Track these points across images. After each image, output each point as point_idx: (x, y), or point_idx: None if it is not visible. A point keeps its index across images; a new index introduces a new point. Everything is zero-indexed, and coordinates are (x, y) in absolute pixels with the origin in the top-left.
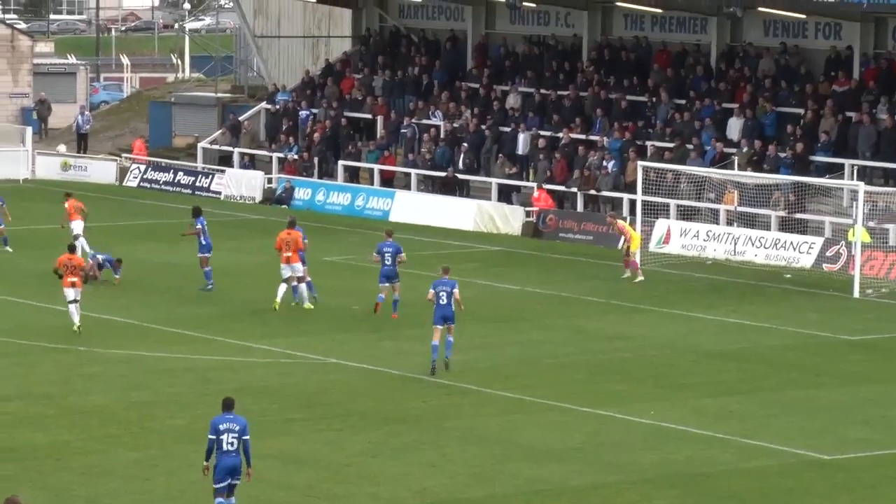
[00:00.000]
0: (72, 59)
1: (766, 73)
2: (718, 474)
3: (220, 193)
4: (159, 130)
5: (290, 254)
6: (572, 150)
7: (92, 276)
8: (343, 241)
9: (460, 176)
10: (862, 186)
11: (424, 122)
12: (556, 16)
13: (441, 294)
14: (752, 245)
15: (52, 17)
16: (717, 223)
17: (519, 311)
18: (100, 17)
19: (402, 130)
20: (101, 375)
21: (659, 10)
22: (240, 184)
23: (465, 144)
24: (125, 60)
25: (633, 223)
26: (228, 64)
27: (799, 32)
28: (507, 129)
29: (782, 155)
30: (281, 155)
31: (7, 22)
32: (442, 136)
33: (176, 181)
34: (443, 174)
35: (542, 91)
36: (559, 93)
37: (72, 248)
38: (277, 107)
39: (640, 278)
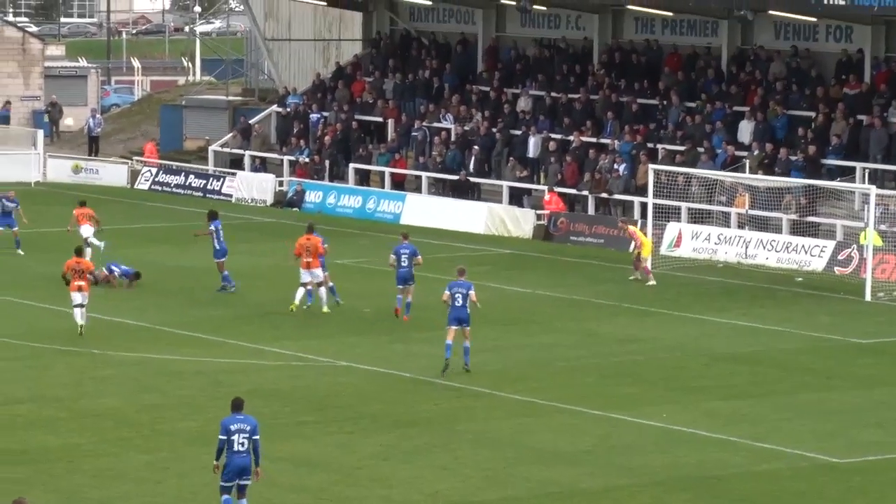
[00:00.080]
0: (83, 63)
1: (777, 77)
2: (730, 477)
3: (231, 196)
4: (170, 133)
5: (310, 259)
6: (583, 153)
7: (104, 280)
8: (354, 243)
9: (472, 179)
10: (873, 190)
11: (435, 125)
12: (566, 19)
13: (457, 295)
14: (764, 248)
15: (63, 20)
16: (729, 226)
17: (530, 313)
18: (111, 20)
19: (413, 133)
20: (112, 378)
21: (670, 14)
22: (251, 187)
23: (476, 147)
24: (136, 63)
25: (644, 227)
26: (239, 67)
27: (810, 35)
28: (518, 132)
29: (793, 158)
30: (292, 158)
31: (18, 25)
32: (453, 139)
33: (187, 184)
34: (454, 177)
35: (553, 94)
36: (570, 96)
37: (79, 252)
38: (288, 110)
39: (652, 282)
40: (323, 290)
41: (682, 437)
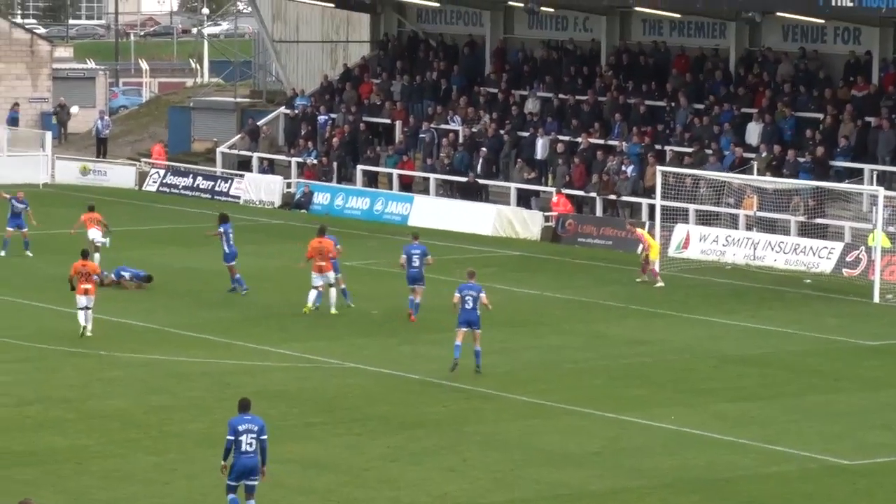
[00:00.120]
0: (91, 64)
1: (785, 78)
2: (738, 479)
3: (239, 198)
4: (178, 135)
5: (323, 263)
6: (591, 154)
7: (110, 283)
8: (362, 245)
9: (480, 181)
10: (881, 191)
11: (443, 126)
12: (574, 21)
13: (467, 298)
14: (772, 250)
15: (71, 21)
16: (737, 228)
17: (538, 315)
18: (119, 21)
19: (421, 135)
20: (120, 379)
21: (678, 15)
22: (259, 188)
23: (484, 149)
24: (144, 65)
25: (652, 228)
26: (247, 69)
27: (818, 37)
28: (526, 134)
29: (801, 160)
30: (300, 159)
31: (26, 27)
32: (460, 140)
33: (195, 186)
34: (461, 179)
35: (561, 96)
36: (578, 97)
37: (84, 254)
38: (296, 111)
39: (660, 284)
40: (333, 291)
41: (690, 439)
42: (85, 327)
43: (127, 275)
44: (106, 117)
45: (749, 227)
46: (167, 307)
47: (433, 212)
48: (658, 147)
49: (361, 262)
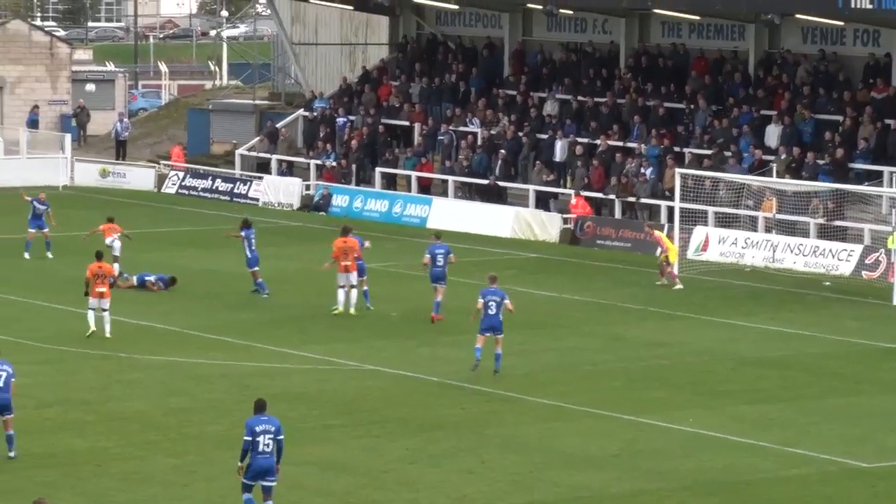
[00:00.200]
0: (110, 67)
1: (805, 80)
2: (758, 482)
3: (257, 200)
4: (197, 137)
5: (348, 262)
6: (610, 156)
7: (128, 287)
8: (381, 247)
9: (500, 183)
10: None
11: (461, 129)
12: (593, 23)
13: (490, 303)
14: (791, 252)
15: (90, 24)
16: (756, 230)
17: (556, 317)
18: (138, 24)
19: (440, 137)
20: (140, 382)
21: (696, 17)
22: (277, 191)
23: (503, 151)
24: (163, 68)
25: (671, 231)
26: (266, 71)
27: (837, 39)
28: (545, 136)
29: (821, 162)
30: (318, 162)
31: (46, 29)
32: (479, 142)
33: (214, 188)
34: (480, 181)
35: (580, 98)
36: (597, 100)
37: (99, 256)
38: (315, 114)
39: (679, 287)
40: (354, 292)
41: (709, 442)
42: (93, 331)
43: (152, 278)
44: (125, 119)
45: (768, 230)
46: (187, 309)
47: (452, 214)
48: (677, 149)
49: (380, 264)
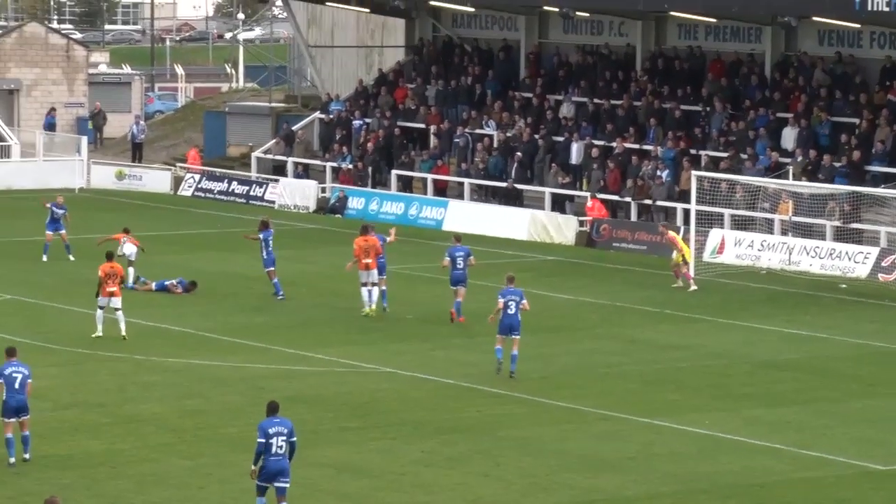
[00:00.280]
0: (126, 69)
1: (821, 83)
2: (773, 485)
3: (273, 203)
4: (213, 140)
5: (369, 260)
6: (626, 159)
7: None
8: (397, 250)
9: (517, 186)
10: None
11: (478, 131)
12: (609, 25)
13: (510, 303)
14: (807, 255)
15: (106, 27)
16: (772, 233)
17: (572, 320)
18: (154, 27)
19: (456, 140)
20: (156, 384)
21: (713, 20)
22: (293, 193)
23: (519, 154)
24: (179, 70)
25: (686, 233)
26: (282, 74)
27: (854, 42)
28: (561, 139)
29: (837, 164)
30: (335, 164)
31: (62, 32)
32: (495, 145)
33: (230, 191)
34: (495, 184)
35: (596, 100)
36: (613, 102)
37: (110, 256)
38: (331, 116)
39: (694, 288)
40: (375, 290)
41: (725, 444)
42: (100, 335)
43: (174, 281)
44: (141, 122)
45: (784, 232)
46: (203, 311)
47: (468, 216)
48: (693, 152)
49: (396, 266)
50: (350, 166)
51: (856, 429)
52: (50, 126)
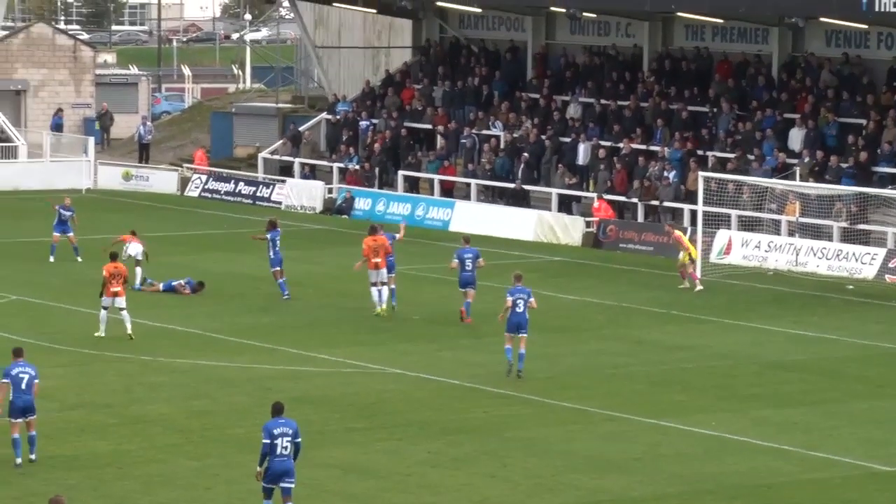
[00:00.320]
0: (133, 70)
1: (828, 84)
2: (780, 485)
3: (280, 203)
4: (220, 141)
5: (378, 259)
6: (633, 160)
7: (155, 289)
8: (403, 250)
9: (525, 187)
10: None
11: (484, 132)
12: (616, 26)
13: (518, 301)
14: (814, 256)
15: (114, 27)
16: (779, 234)
17: (579, 321)
18: (161, 27)
19: (462, 140)
20: (163, 385)
21: (720, 21)
22: (300, 194)
23: (525, 155)
24: (186, 71)
25: (693, 234)
26: (289, 74)
27: (861, 43)
28: (568, 140)
29: (844, 165)
30: (341, 165)
31: (70, 33)
32: (502, 146)
33: (237, 191)
34: (502, 184)
35: (603, 101)
36: (620, 103)
37: (114, 256)
38: (338, 117)
39: (700, 288)
40: (385, 290)
41: (732, 445)
42: (103, 335)
43: (182, 281)
44: (148, 123)
45: (791, 233)
46: (210, 312)
47: (474, 217)
48: (700, 152)
49: (403, 267)
50: (357, 167)
51: (863, 430)
52: (57, 127)
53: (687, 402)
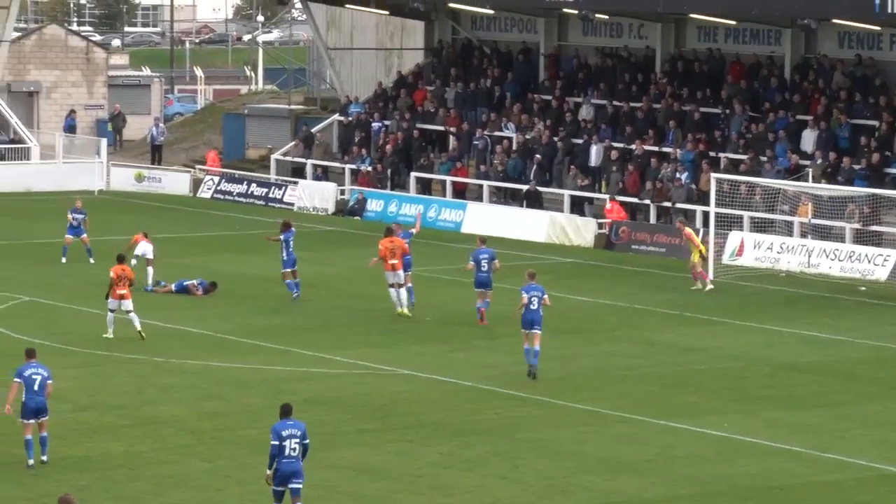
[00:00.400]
0: (146, 72)
1: (841, 85)
2: (793, 487)
3: (293, 205)
4: (233, 142)
5: (395, 261)
6: (645, 161)
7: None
8: (416, 252)
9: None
10: None
11: (497, 133)
12: (629, 28)
13: (532, 299)
14: (827, 257)
15: (126, 29)
16: (792, 235)
17: (591, 322)
18: (174, 29)
19: (475, 142)
20: (175, 386)
21: (732, 22)
22: (312, 195)
23: (538, 156)
24: (199, 72)
25: (705, 235)
26: (301, 76)
27: (874, 44)
28: (580, 141)
29: (857, 167)
30: (354, 167)
31: (82, 34)
32: (514, 147)
33: (249, 193)
34: (515, 186)
35: (615, 103)
36: (632, 104)
37: (121, 258)
38: (350, 118)
39: (710, 287)
40: (403, 291)
41: (744, 447)
42: (111, 336)
43: (195, 281)
44: (161, 124)
45: (804, 235)
46: (222, 313)
47: (486, 219)
48: (712, 154)
49: (415, 268)
50: (369, 168)
51: (876, 431)
52: (70, 128)
53: (699, 403)
